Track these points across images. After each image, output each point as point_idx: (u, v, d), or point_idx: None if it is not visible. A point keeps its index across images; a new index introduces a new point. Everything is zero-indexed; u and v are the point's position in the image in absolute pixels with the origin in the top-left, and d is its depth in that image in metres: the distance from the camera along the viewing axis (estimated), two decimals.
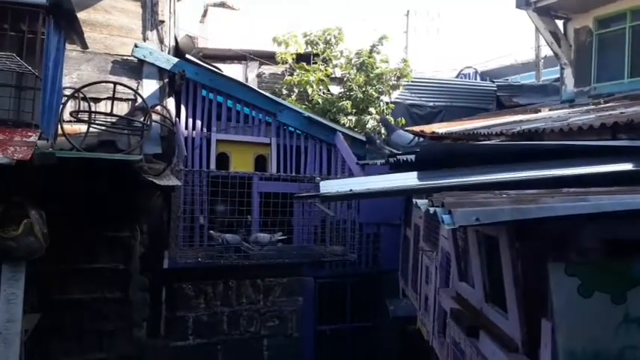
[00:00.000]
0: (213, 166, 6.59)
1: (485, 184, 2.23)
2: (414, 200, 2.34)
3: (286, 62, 9.98)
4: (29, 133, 3.94)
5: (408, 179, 2.83)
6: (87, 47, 5.18)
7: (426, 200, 2.14)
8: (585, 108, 7.48)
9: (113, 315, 5.99)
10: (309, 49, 10.13)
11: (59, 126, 4.91)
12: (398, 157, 3.62)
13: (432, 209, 1.89)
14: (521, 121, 6.53)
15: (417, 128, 7.69)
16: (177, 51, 6.77)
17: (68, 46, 5.23)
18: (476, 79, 14.16)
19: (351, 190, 2.73)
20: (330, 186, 2.91)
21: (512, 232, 1.94)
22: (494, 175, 2.36)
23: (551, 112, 7.90)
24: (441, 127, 7.79)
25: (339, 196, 2.80)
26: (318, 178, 6.46)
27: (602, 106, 7.27)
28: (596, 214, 1.59)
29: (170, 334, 6.24)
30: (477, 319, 2.44)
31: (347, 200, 3.12)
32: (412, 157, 3.33)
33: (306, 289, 6.80)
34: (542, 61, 15.54)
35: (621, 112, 4.80)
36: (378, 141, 7.20)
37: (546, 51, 14.39)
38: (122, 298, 5.99)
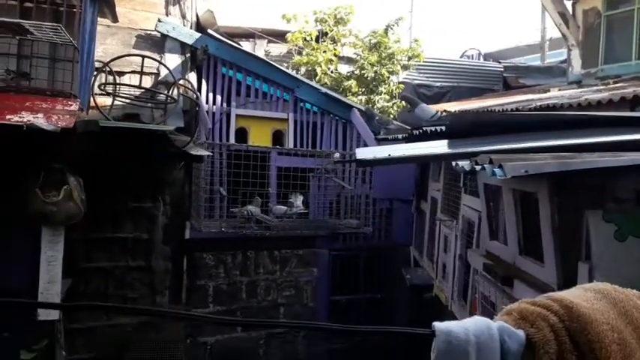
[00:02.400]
0: (232, 139, 6.75)
1: (520, 149, 2.41)
2: (453, 163, 2.50)
3: (296, 43, 10.04)
4: (70, 102, 4.10)
5: (441, 147, 3.01)
6: (117, 20, 5.31)
7: (468, 161, 2.33)
8: (595, 88, 7.59)
9: (137, 282, 6.23)
10: (319, 26, 10.16)
11: (91, 98, 5.06)
12: (424, 128, 3.78)
13: (477, 167, 2.07)
14: (532, 100, 6.68)
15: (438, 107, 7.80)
16: (199, 26, 6.88)
17: None
18: (479, 61, 14.22)
19: (389, 155, 2.90)
20: (366, 152, 3.07)
21: (552, 185, 2.13)
22: (525, 142, 2.54)
23: (561, 92, 8.01)
24: (451, 106, 7.93)
25: (377, 160, 2.96)
26: (337, 154, 6.64)
27: (612, 86, 7.38)
28: (631, 167, 1.77)
29: (191, 302, 6.47)
30: (510, 271, 2.65)
31: (384, 165, 3.30)
32: (440, 127, 3.50)
33: (321, 261, 7.03)
34: (548, 43, 15.53)
35: (634, 90, 4.95)
36: (376, 117, 7.38)
37: (551, 33, 14.44)
38: (145, 266, 6.23)
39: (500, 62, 12.90)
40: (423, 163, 6.41)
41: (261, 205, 6.50)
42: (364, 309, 7.42)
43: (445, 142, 3.05)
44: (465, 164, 2.30)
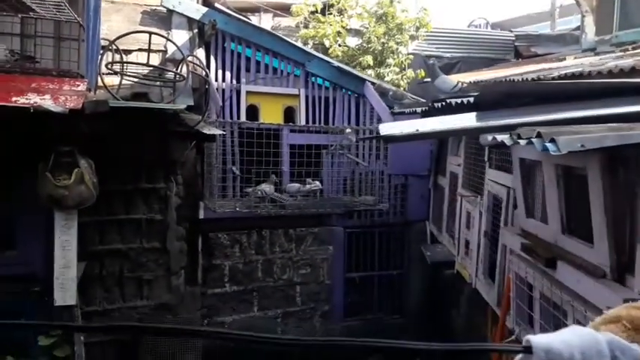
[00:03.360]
0: (243, 117, 6.60)
1: (563, 120, 2.24)
2: (488, 136, 2.35)
3: (302, 15, 9.76)
4: (77, 83, 3.96)
5: (471, 120, 2.84)
6: None
7: (507, 135, 2.17)
8: (614, 55, 7.32)
9: (152, 264, 6.17)
10: None
11: (99, 77, 4.91)
12: (448, 100, 3.61)
13: (522, 141, 1.92)
14: (550, 69, 6.44)
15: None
16: (205, 0, 6.65)
17: None
18: (489, 30, 13.84)
19: (417, 130, 2.74)
20: (392, 127, 2.91)
21: (605, 160, 1.98)
22: (566, 112, 2.37)
23: (579, 60, 7.74)
24: (465, 77, 7.70)
25: (404, 136, 2.80)
26: (349, 130, 6.48)
27: (632, 52, 7.12)
28: None
29: (207, 282, 6.43)
30: (552, 251, 2.52)
31: (411, 140, 3.16)
32: (466, 99, 3.33)
33: (336, 239, 6.94)
34: (558, 10, 15.10)
35: None
36: (390, 92, 7.16)
37: (561, 0, 14.00)
38: (160, 247, 6.16)
39: (512, 31, 12.55)
40: (446, 137, 6.25)
41: (275, 184, 6.38)
42: (380, 286, 7.37)
43: (474, 114, 2.87)
44: (502, 137, 2.14)
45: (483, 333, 4.75)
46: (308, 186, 6.39)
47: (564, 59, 8.30)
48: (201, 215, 6.22)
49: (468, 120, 2.86)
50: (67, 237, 4.27)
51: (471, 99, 3.09)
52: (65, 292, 4.34)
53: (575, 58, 8.26)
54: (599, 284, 2.07)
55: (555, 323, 2.53)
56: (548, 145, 1.67)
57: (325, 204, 6.62)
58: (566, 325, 2.45)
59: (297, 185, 6.45)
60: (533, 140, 1.81)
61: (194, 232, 6.29)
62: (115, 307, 6.10)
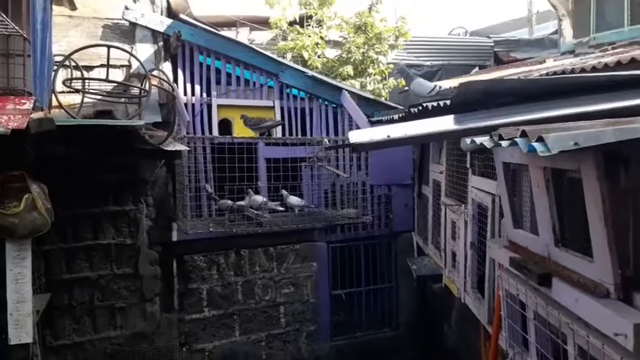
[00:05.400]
0: (216, 132, 6.30)
1: (550, 118, 1.98)
2: (467, 139, 2.08)
3: (280, 27, 9.59)
4: (22, 101, 3.64)
5: (448, 123, 2.58)
6: (75, 8, 4.83)
7: (487, 137, 1.90)
8: (594, 55, 7.21)
9: (124, 291, 5.84)
10: (303, 10, 9.70)
11: (53, 96, 4.58)
12: (424, 104, 3.35)
13: (504, 142, 1.65)
14: (531, 71, 6.27)
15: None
16: (170, 11, 6.38)
17: (54, 12, 4.87)
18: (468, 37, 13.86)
19: (388, 136, 2.47)
20: (361, 134, 2.63)
21: (600, 159, 1.71)
22: (553, 110, 2.10)
23: (559, 62, 7.62)
24: (447, 84, 7.50)
25: (374, 143, 2.53)
26: (326, 140, 6.21)
27: (612, 52, 7.00)
28: None
29: (184, 308, 6.08)
30: (545, 266, 2.24)
31: (383, 148, 2.90)
32: (443, 102, 3.08)
33: (320, 255, 6.63)
34: (535, 16, 15.20)
35: None
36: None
37: (538, 6, 14.05)
38: (132, 273, 5.83)
39: (489, 37, 12.54)
40: (424, 144, 6.00)
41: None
42: (368, 302, 7.05)
43: (451, 117, 2.61)
44: (482, 140, 1.87)
45: (476, 349, 4.46)
46: (271, 204, 6.06)
47: (544, 62, 8.19)
48: (175, 237, 5.88)
49: (444, 123, 2.60)
50: (20, 269, 3.90)
51: (448, 101, 2.83)
52: (21, 329, 3.96)
53: (555, 60, 8.14)
54: (602, 305, 1.80)
55: (554, 348, 2.25)
56: (536, 144, 1.40)
57: (306, 219, 6.32)
58: (566, 352, 2.16)
59: (260, 198, 6.13)
60: (518, 140, 1.54)
61: (168, 256, 5.95)
62: (85, 339, 5.74)
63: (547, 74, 4.44)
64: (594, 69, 3.70)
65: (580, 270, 2.01)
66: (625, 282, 1.80)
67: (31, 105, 3.59)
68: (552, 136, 1.38)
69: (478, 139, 1.93)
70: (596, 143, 1.34)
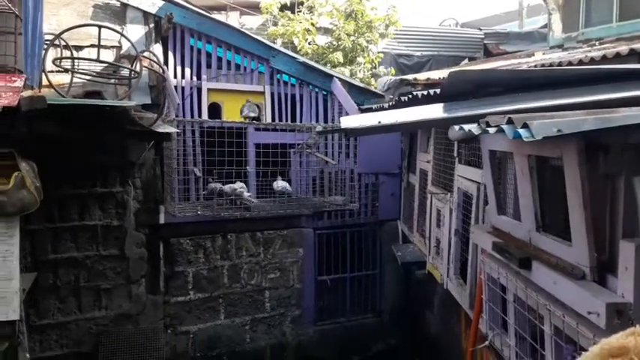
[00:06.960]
0: (205, 116, 6.30)
1: (537, 108, 2.05)
2: (456, 127, 2.15)
3: (271, 12, 9.55)
4: (13, 78, 3.63)
5: (438, 111, 2.64)
6: None
7: (475, 125, 1.97)
8: (582, 50, 7.31)
9: (110, 272, 5.85)
10: None
11: (43, 75, 4.55)
12: (415, 93, 3.42)
13: (491, 129, 1.71)
14: (520, 64, 6.36)
15: (410, 76, 7.47)
16: None
17: None
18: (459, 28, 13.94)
19: (379, 122, 2.53)
20: (353, 120, 2.69)
21: (582, 147, 1.79)
22: (540, 101, 2.18)
23: (547, 55, 7.71)
24: (435, 75, 7.57)
25: (365, 129, 2.59)
26: (318, 127, 6.25)
27: (599, 47, 7.11)
28: None
29: (170, 290, 6.11)
30: (526, 251, 2.33)
31: (373, 133, 2.95)
32: (433, 91, 3.14)
33: (306, 241, 6.70)
34: (526, 9, 15.31)
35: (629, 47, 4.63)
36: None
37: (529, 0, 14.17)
38: (118, 255, 5.84)
39: (480, 29, 12.62)
40: (412, 133, 6.07)
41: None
42: (352, 288, 7.15)
43: (441, 105, 2.68)
44: (470, 127, 1.93)
45: (457, 334, 4.58)
46: (246, 194, 6.06)
47: (533, 55, 8.28)
48: (162, 220, 5.89)
49: (434, 111, 2.66)
50: (8, 247, 3.91)
51: (438, 90, 2.90)
52: (7, 305, 3.97)
53: (544, 54, 8.24)
54: (578, 286, 1.89)
55: (531, 329, 2.35)
56: (521, 131, 1.47)
57: (293, 205, 6.37)
58: (542, 332, 2.26)
59: (236, 185, 6.10)
60: (504, 127, 1.61)
61: (154, 238, 5.96)
62: (71, 320, 5.76)
63: (535, 67, 4.53)
64: (581, 62, 3.79)
65: (559, 254, 2.10)
66: (600, 265, 1.90)
67: (22, 83, 3.58)
68: (537, 123, 1.45)
69: (467, 127, 1.99)
70: (577, 130, 1.41)
